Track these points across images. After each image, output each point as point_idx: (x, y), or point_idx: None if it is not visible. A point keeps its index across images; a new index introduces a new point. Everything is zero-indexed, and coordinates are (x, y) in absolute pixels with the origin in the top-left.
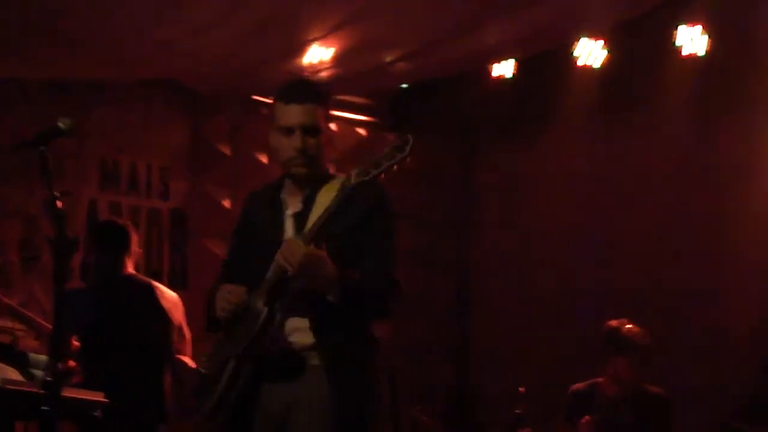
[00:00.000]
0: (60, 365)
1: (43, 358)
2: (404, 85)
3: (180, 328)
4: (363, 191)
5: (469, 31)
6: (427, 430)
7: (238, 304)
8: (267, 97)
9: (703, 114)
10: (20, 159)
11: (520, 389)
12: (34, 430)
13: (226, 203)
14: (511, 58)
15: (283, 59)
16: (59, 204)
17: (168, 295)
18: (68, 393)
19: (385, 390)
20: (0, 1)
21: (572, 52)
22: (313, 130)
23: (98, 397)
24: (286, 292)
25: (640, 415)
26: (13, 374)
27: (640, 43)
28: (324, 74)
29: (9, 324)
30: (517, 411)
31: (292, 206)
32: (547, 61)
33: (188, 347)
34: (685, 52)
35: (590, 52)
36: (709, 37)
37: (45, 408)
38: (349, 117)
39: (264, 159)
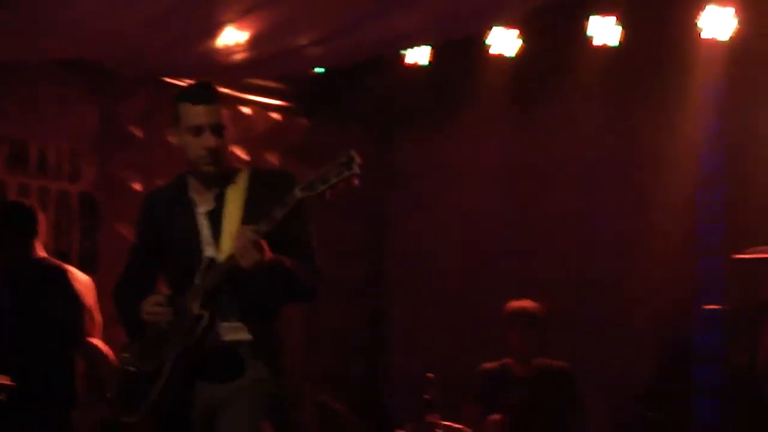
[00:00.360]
0: None
1: None
2: (320, 70)
3: (91, 312)
4: (282, 181)
5: (383, 15)
6: (337, 417)
7: (168, 312)
8: (181, 80)
9: (615, 104)
10: None
11: (429, 375)
12: None
13: (138, 186)
14: (426, 44)
15: (196, 41)
16: None
17: (80, 278)
18: None
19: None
20: None
21: (485, 41)
22: (220, 129)
23: (3, 380)
24: (221, 294)
25: (547, 389)
26: None
27: (554, 32)
28: (238, 57)
29: None
30: (426, 396)
31: (203, 205)
32: (462, 50)
33: (98, 330)
34: (597, 43)
35: (504, 41)
36: (622, 27)
37: None
38: (263, 101)
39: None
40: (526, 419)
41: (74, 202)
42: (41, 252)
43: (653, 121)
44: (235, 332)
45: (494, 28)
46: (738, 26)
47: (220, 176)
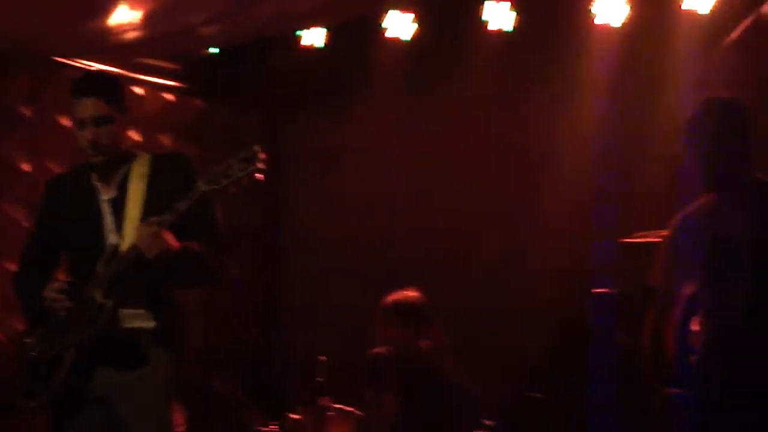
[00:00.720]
0: None
1: None
2: (214, 50)
3: None
4: (180, 165)
5: None
6: (229, 400)
7: (70, 299)
8: (72, 59)
9: (509, 89)
10: None
11: (321, 358)
12: None
13: (26, 167)
14: (321, 26)
15: (88, 19)
16: None
17: None
18: None
19: None
20: None
21: (381, 24)
22: (102, 120)
23: None
24: (124, 282)
25: (435, 372)
26: None
27: (449, 17)
28: (131, 35)
29: None
30: (318, 379)
31: (106, 192)
32: (359, 33)
33: None
34: (492, 27)
35: (400, 25)
36: (517, 13)
37: None
38: (156, 82)
39: (66, 122)
40: (416, 403)
41: None
42: None
43: (548, 106)
44: (137, 320)
45: (390, 12)
46: (630, 12)
47: (117, 163)
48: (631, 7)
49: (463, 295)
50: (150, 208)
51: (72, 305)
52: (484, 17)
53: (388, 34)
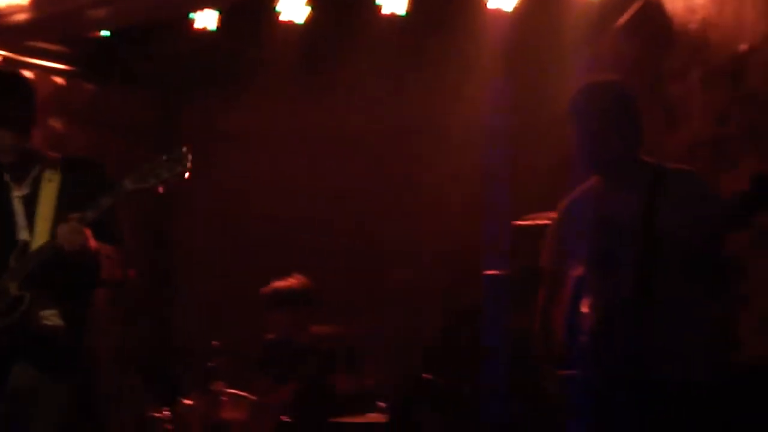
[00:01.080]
0: None
1: None
2: (105, 33)
3: None
4: (93, 170)
5: None
6: (124, 386)
7: None
8: None
9: (403, 72)
10: None
11: (214, 343)
12: None
13: None
14: (213, 8)
15: None
16: None
17: None
18: None
19: None
20: None
21: (275, 8)
22: (5, 123)
23: None
24: (38, 278)
25: (327, 357)
26: None
27: (343, 0)
28: (19, 18)
29: None
30: (211, 364)
31: (19, 189)
32: (252, 16)
33: None
34: (385, 11)
35: (293, 8)
36: None
37: None
38: (46, 65)
39: None
40: (310, 387)
41: None
42: None
43: (440, 89)
44: (52, 316)
45: None
46: None
47: (28, 163)
48: None
49: (355, 278)
50: (62, 206)
51: None
52: (377, 1)
53: (281, 18)
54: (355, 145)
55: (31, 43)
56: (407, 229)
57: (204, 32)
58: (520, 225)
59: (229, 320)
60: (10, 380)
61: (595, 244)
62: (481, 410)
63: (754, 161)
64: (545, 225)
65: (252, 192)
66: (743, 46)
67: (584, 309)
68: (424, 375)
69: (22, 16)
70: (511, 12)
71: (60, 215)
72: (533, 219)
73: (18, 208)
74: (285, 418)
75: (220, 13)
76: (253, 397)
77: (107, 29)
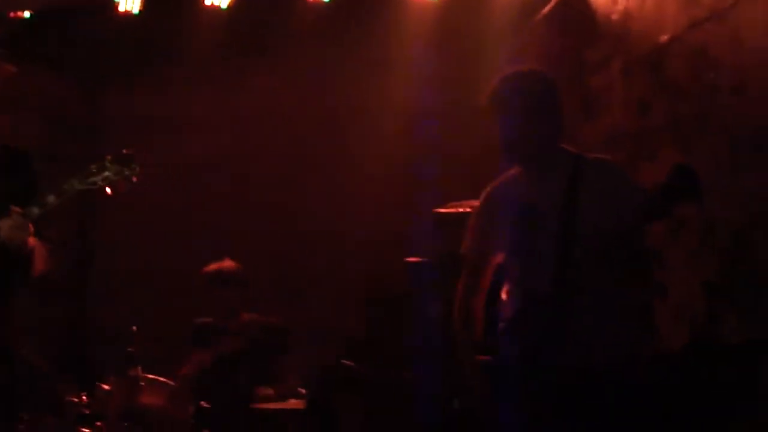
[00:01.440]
0: None
1: None
2: (27, 14)
3: None
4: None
5: None
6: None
7: None
8: None
9: (325, 57)
10: None
11: (133, 328)
12: None
13: None
14: None
15: None
16: None
17: None
18: None
19: None
20: None
21: None
22: None
23: None
24: None
25: (258, 342)
26: None
27: None
28: None
29: None
30: (129, 349)
31: None
32: (175, 0)
33: None
34: None
35: None
36: None
37: None
38: None
39: None
40: (236, 372)
41: None
42: None
43: (363, 76)
44: None
45: None
46: None
47: None
48: None
49: (278, 264)
50: None
51: None
52: None
53: (206, 2)
54: (280, 130)
55: None
56: (332, 214)
57: (128, 16)
58: (441, 212)
59: (149, 305)
60: None
61: (516, 232)
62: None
63: (675, 151)
64: (466, 213)
65: (175, 176)
66: (664, 37)
67: (504, 296)
68: (343, 361)
69: None
70: (437, 1)
71: None
72: (455, 207)
73: None
74: (204, 404)
75: None
76: (172, 383)
77: (28, 9)
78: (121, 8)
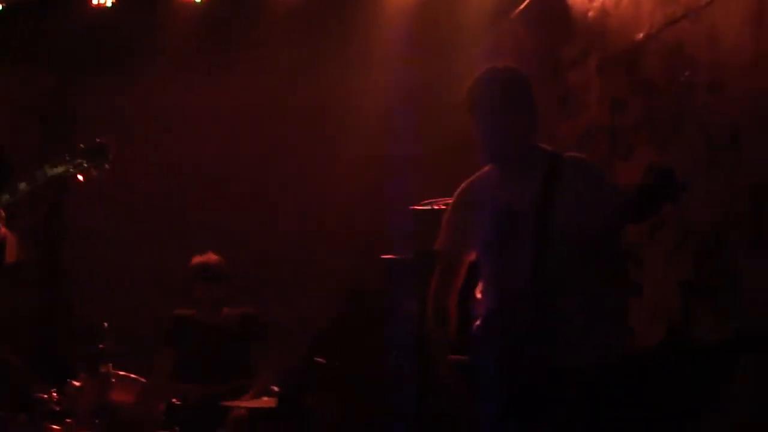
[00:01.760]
0: None
1: None
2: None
3: None
4: None
5: None
6: (6, 367)
7: None
8: None
9: (303, 53)
10: None
11: (104, 324)
12: None
13: None
14: None
15: None
16: None
17: None
18: None
19: None
20: None
21: None
22: None
23: None
24: None
25: (236, 336)
26: None
27: None
28: None
29: None
30: (101, 346)
31: None
32: None
33: None
34: None
35: None
36: None
37: None
38: None
39: None
40: (213, 364)
41: None
42: None
43: (342, 72)
44: None
45: None
46: None
47: None
48: None
49: (254, 261)
50: None
51: None
52: None
53: None
54: (257, 125)
55: None
56: (308, 211)
57: (101, 8)
58: (416, 209)
59: (121, 301)
60: None
61: (491, 229)
62: (381, 396)
63: (650, 150)
64: (441, 210)
65: (147, 171)
66: (640, 35)
67: (478, 295)
68: (316, 359)
69: None
70: None
71: None
72: (431, 204)
73: None
74: (175, 401)
75: None
76: (143, 379)
77: (2, 2)
78: (94, 0)
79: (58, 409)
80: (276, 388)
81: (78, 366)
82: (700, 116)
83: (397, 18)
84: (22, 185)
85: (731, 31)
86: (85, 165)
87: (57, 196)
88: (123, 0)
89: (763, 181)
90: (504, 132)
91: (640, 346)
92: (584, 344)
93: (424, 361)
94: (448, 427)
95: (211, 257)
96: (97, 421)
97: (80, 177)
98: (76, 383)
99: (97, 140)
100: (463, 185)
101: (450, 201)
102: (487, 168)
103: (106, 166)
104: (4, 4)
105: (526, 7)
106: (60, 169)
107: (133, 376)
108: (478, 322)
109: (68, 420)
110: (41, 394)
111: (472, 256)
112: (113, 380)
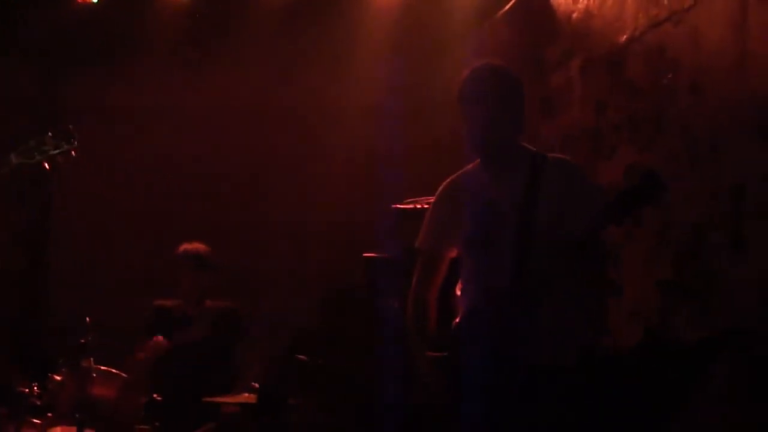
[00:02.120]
0: None
1: None
2: None
3: None
4: None
5: None
6: None
7: None
8: None
9: (288, 51)
10: None
11: (87, 319)
12: None
13: None
14: None
15: None
16: None
17: None
18: None
19: None
20: None
21: None
22: None
23: None
24: None
25: (216, 329)
26: None
27: None
28: None
29: None
30: (82, 340)
31: None
32: None
33: None
34: None
35: None
36: None
37: None
38: None
39: None
40: (192, 356)
41: None
42: None
43: (328, 74)
44: None
45: None
46: None
47: None
48: None
49: (238, 257)
50: None
51: None
52: None
53: None
54: (242, 123)
55: None
56: (291, 209)
57: (88, 4)
58: (399, 208)
59: (102, 296)
60: None
61: (473, 227)
62: (366, 392)
63: (632, 151)
64: (424, 208)
65: (132, 167)
66: (623, 37)
67: (458, 292)
68: (297, 356)
69: None
70: None
71: None
72: (414, 202)
73: None
74: (156, 396)
75: None
76: (124, 375)
77: None
78: None
79: (39, 403)
80: (256, 385)
81: (59, 360)
82: (682, 118)
83: (382, 17)
84: None
85: (713, 34)
86: (53, 152)
87: (40, 191)
88: None
89: (743, 182)
90: (492, 129)
91: (619, 346)
92: (564, 344)
93: (407, 358)
94: (432, 425)
95: (200, 246)
96: (77, 415)
97: (46, 164)
98: (57, 378)
99: (66, 126)
100: (446, 181)
101: (432, 200)
102: (471, 166)
103: (72, 152)
104: None
105: (510, 7)
106: (27, 157)
107: (114, 371)
108: (458, 320)
109: (49, 414)
110: (22, 389)
111: (454, 253)
112: (94, 375)
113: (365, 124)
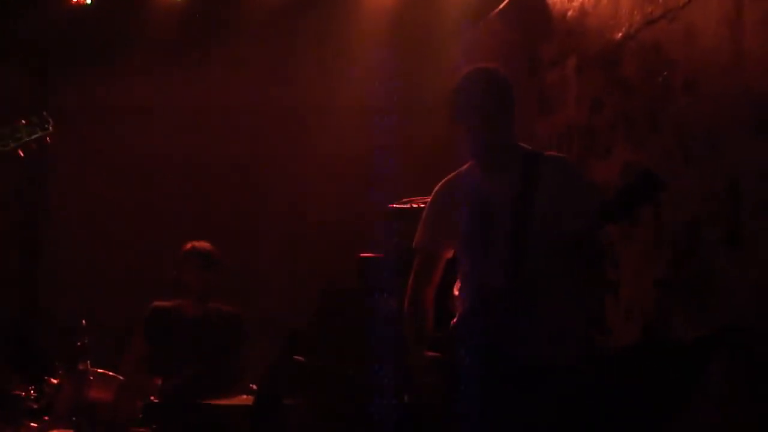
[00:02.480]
0: None
1: None
2: None
3: None
4: None
5: None
6: None
7: None
8: None
9: (281, 50)
10: None
11: (83, 321)
12: None
13: None
14: None
15: None
16: None
17: None
18: None
19: None
20: None
21: None
22: None
23: None
24: None
25: (216, 332)
26: None
27: None
28: None
29: None
30: (79, 343)
31: None
32: None
33: None
34: None
35: None
36: None
37: None
38: None
39: None
40: (192, 359)
41: None
42: None
43: (322, 73)
44: None
45: None
46: None
47: None
48: None
49: (233, 258)
50: None
51: None
52: None
53: None
54: (236, 123)
55: None
56: (287, 209)
57: (82, 4)
58: (395, 208)
59: (99, 298)
60: None
61: (469, 227)
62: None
63: (627, 149)
64: (420, 208)
65: (127, 167)
66: (618, 35)
67: (455, 292)
68: (295, 357)
69: None
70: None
71: None
72: (409, 202)
73: None
74: (153, 398)
75: None
76: (121, 378)
77: None
78: None
79: (35, 406)
80: (254, 386)
81: (56, 363)
82: (678, 116)
83: (375, 16)
84: None
85: (708, 32)
86: (25, 138)
87: (34, 190)
88: None
89: (739, 179)
90: (486, 129)
91: (616, 344)
92: (561, 343)
93: (401, 358)
94: (430, 425)
95: (207, 244)
96: (74, 418)
97: (20, 152)
98: (54, 380)
99: (41, 113)
100: (442, 181)
101: (428, 199)
102: (466, 165)
103: (47, 138)
104: None
105: (505, 6)
106: (1, 145)
107: (111, 373)
108: (455, 320)
109: (46, 417)
110: (19, 392)
111: (451, 253)
112: (91, 378)
113: (361, 124)
